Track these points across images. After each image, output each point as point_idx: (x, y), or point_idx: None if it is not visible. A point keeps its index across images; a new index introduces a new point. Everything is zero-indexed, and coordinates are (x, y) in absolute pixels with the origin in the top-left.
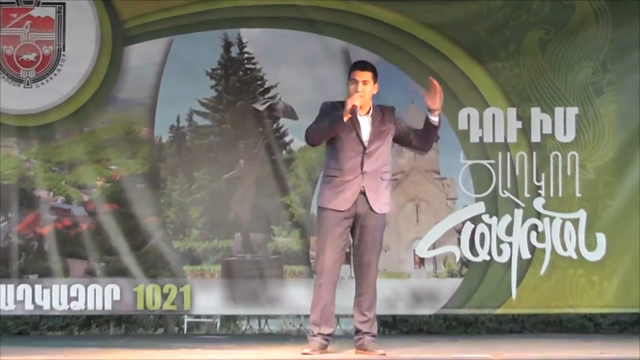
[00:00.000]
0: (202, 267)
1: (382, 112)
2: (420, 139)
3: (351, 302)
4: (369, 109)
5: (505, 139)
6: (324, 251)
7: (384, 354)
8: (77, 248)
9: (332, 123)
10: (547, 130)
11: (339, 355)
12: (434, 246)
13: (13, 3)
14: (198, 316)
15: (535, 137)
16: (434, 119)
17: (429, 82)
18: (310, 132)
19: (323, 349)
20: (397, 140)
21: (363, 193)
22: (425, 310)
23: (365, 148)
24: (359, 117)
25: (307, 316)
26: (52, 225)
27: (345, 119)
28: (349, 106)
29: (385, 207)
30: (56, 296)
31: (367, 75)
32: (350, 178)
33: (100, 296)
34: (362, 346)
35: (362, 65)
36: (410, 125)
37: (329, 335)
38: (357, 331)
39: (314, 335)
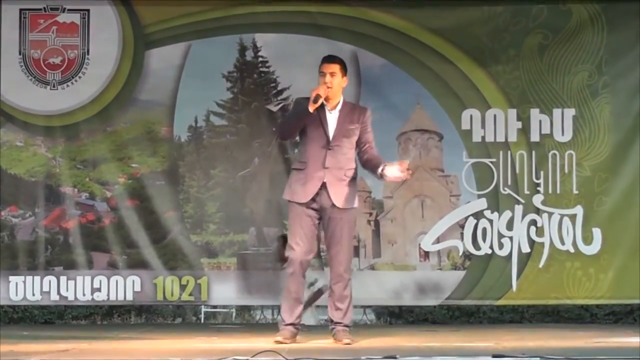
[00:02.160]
0: (218, 259)
1: (353, 110)
2: (365, 164)
3: (359, 293)
4: (338, 103)
5: (506, 139)
6: (293, 242)
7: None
8: (101, 241)
9: (298, 114)
10: (546, 130)
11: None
12: (438, 240)
13: (40, 10)
14: (215, 306)
15: (535, 137)
16: (380, 176)
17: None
18: (280, 125)
19: (294, 337)
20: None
21: (325, 187)
22: (430, 301)
23: (329, 143)
24: (327, 111)
25: (317, 307)
26: (76, 219)
27: (310, 109)
28: (313, 95)
29: (348, 203)
30: (80, 287)
31: (335, 68)
32: (312, 171)
33: (122, 287)
34: (334, 335)
35: (330, 59)
36: (369, 137)
37: (299, 323)
38: (331, 320)
39: (286, 325)
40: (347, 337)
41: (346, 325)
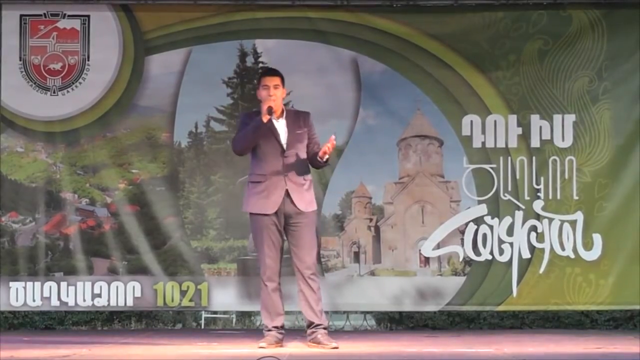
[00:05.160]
0: (218, 265)
1: (296, 115)
2: (311, 160)
3: (360, 299)
4: (282, 112)
5: (506, 145)
6: (263, 252)
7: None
8: (101, 247)
9: (254, 127)
10: (546, 136)
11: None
12: (438, 246)
13: (41, 15)
14: (215, 312)
15: (535, 143)
16: (321, 161)
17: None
18: (236, 141)
19: (278, 342)
20: None
21: (287, 194)
22: (430, 307)
23: (284, 151)
24: (274, 121)
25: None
26: (77, 225)
27: (264, 119)
28: (264, 108)
29: (310, 206)
30: (80, 293)
31: (277, 80)
32: (274, 182)
33: (122, 293)
34: (315, 339)
35: (272, 72)
36: (316, 139)
37: (281, 327)
38: (310, 324)
39: (269, 330)
40: (332, 341)
41: (325, 327)
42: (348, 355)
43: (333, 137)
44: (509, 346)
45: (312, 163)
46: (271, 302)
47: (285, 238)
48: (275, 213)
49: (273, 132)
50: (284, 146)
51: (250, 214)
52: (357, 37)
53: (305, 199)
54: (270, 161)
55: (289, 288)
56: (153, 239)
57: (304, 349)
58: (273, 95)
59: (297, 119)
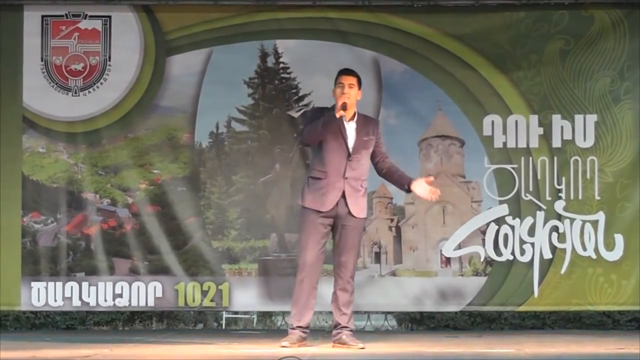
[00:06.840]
0: (239, 265)
1: (367, 121)
2: (386, 175)
3: (381, 299)
4: (354, 115)
5: (528, 145)
6: (306, 249)
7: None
8: (122, 247)
9: (325, 121)
10: (568, 136)
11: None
12: (459, 246)
13: (62, 16)
14: (236, 312)
15: (556, 143)
16: (407, 190)
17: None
18: (306, 132)
19: (302, 341)
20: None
21: (343, 197)
22: (451, 307)
23: (349, 154)
24: (345, 123)
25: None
26: (98, 225)
27: (337, 114)
28: (339, 104)
29: (363, 212)
30: (102, 293)
31: (352, 80)
32: (333, 181)
33: (143, 293)
34: (340, 340)
35: (348, 71)
36: (383, 149)
37: (307, 328)
38: (336, 325)
39: (293, 329)
40: (358, 342)
41: (351, 330)
42: (369, 356)
43: (432, 179)
44: (530, 347)
45: (384, 177)
46: (303, 301)
47: (329, 239)
48: (328, 212)
49: (342, 134)
50: (350, 150)
51: (303, 207)
52: (378, 37)
53: (359, 205)
54: (334, 161)
55: None
56: (174, 239)
57: (327, 349)
58: (347, 93)
59: (367, 125)
